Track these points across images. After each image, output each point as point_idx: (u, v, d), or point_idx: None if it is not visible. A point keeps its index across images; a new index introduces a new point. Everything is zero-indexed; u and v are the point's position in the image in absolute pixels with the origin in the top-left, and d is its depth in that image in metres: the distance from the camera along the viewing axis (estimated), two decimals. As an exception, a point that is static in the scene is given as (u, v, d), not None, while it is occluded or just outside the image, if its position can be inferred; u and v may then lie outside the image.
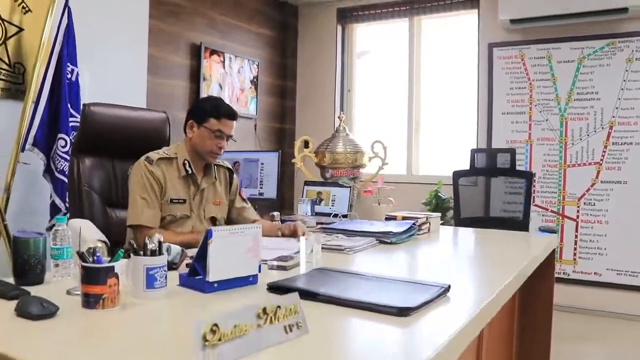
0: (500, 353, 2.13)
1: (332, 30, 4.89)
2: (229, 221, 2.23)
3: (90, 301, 1.07)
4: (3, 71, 2.76)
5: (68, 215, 2.71)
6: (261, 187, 3.39)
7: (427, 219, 2.43)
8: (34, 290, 1.19)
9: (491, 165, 3.38)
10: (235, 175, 2.27)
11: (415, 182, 4.47)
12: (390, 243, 2.06)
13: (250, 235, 1.30)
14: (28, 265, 1.26)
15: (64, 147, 2.77)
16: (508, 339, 2.28)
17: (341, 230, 2.18)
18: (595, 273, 3.94)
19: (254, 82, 4.59)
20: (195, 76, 4.04)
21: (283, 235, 2.07)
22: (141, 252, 1.20)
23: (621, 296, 3.85)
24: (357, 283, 1.33)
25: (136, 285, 1.17)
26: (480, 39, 4.28)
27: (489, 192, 3.53)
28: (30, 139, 2.74)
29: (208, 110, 2.02)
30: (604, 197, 3.92)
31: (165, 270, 1.19)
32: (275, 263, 1.54)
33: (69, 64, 2.83)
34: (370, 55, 5.03)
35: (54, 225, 2.79)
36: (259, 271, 1.33)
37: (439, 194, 4.03)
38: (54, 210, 2.78)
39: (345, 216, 2.81)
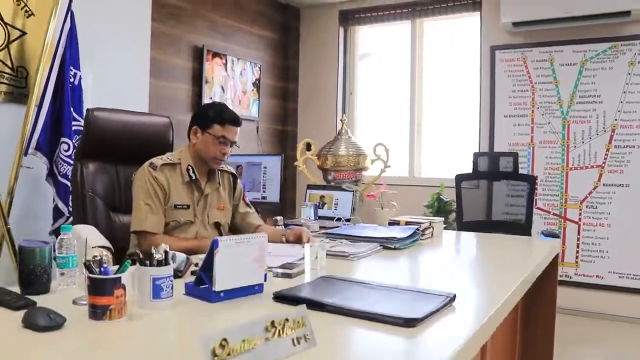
0: (504, 357, 2.13)
1: (334, 33, 4.89)
2: (233, 226, 2.23)
3: (97, 312, 1.07)
4: (6, 75, 2.76)
5: (71, 219, 2.73)
6: (264, 191, 3.39)
7: (430, 224, 2.43)
8: (40, 300, 1.20)
9: (494, 168, 3.38)
10: (239, 180, 2.26)
11: (417, 184, 4.47)
12: (394, 249, 2.07)
13: (256, 245, 1.30)
14: (34, 275, 1.26)
15: (66, 151, 2.77)
16: (511, 343, 2.28)
17: (345, 236, 2.18)
18: (597, 276, 3.94)
19: (256, 84, 4.59)
20: (198, 79, 4.04)
21: (287, 242, 2.06)
22: (147, 262, 1.20)
23: (623, 299, 3.85)
24: (363, 292, 1.33)
25: (142, 296, 1.17)
26: (483, 42, 4.28)
27: (491, 196, 3.53)
28: (33, 143, 2.74)
29: (212, 117, 2.02)
30: (606, 200, 3.92)
31: (171, 280, 1.19)
32: (280, 271, 1.54)
33: (71, 68, 2.83)
34: (373, 57, 5.03)
35: (57, 229, 2.81)
36: (265, 280, 1.33)
37: (441, 197, 4.02)
38: (57, 214, 2.78)
39: (348, 220, 2.81)
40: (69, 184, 2.74)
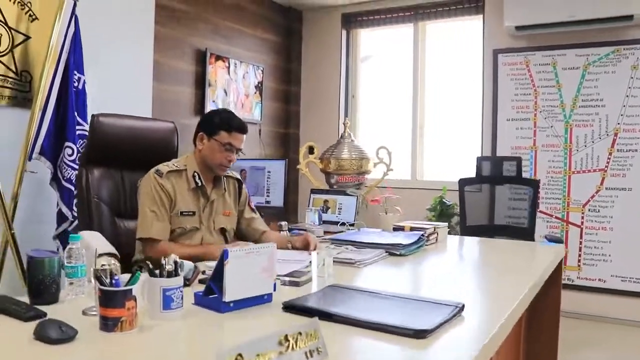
0: (508, 363, 2.13)
1: (337, 35, 4.89)
2: (238, 232, 2.23)
3: (108, 324, 1.07)
4: (10, 79, 2.76)
5: (75, 224, 2.73)
6: (268, 195, 3.40)
7: (434, 229, 2.43)
8: (50, 310, 1.20)
9: (497, 173, 3.38)
10: (244, 186, 2.27)
11: (419, 187, 4.47)
12: (400, 255, 2.07)
13: (265, 255, 1.30)
14: (43, 285, 1.26)
15: (70, 155, 2.77)
16: (515, 348, 2.28)
17: (350, 242, 2.18)
18: (599, 279, 3.94)
19: (259, 87, 4.59)
20: (201, 82, 4.04)
21: (294, 248, 2.06)
22: (157, 273, 1.20)
23: (625, 302, 3.85)
24: (372, 302, 1.33)
25: (153, 306, 1.17)
26: (485, 45, 4.28)
27: (494, 200, 3.53)
28: (38, 148, 2.74)
29: (219, 123, 2.01)
30: (609, 204, 3.92)
31: (181, 291, 1.19)
32: (287, 279, 1.55)
33: (75, 72, 2.83)
34: (375, 60, 5.03)
35: (60, 233, 2.81)
36: (274, 290, 1.33)
37: (444, 200, 4.02)
38: (61, 218, 2.78)
39: (352, 225, 2.81)
40: (72, 188, 2.75)
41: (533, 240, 3.24)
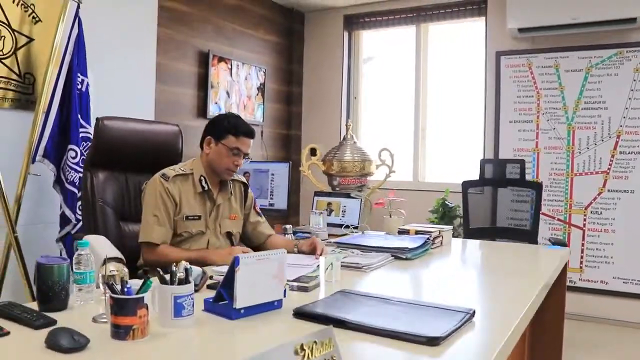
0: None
1: (339, 37, 4.88)
2: (244, 235, 2.23)
3: (120, 332, 1.06)
4: (13, 81, 2.75)
5: (78, 226, 2.72)
6: (271, 198, 3.39)
7: (439, 232, 2.43)
8: (59, 317, 1.19)
9: (500, 175, 3.38)
10: (249, 190, 2.26)
11: (421, 189, 4.47)
12: (406, 259, 2.06)
13: (276, 261, 1.29)
14: (52, 292, 1.25)
15: (74, 158, 2.76)
16: (519, 350, 2.28)
17: (356, 246, 2.18)
18: (601, 281, 3.94)
19: (261, 89, 4.58)
20: (203, 84, 4.03)
21: (300, 252, 2.06)
22: (168, 280, 1.19)
23: (627, 304, 3.86)
24: (382, 308, 1.33)
25: (164, 314, 1.16)
26: (488, 47, 4.28)
27: (497, 203, 3.53)
28: (41, 150, 2.73)
29: (227, 128, 2.01)
30: (611, 206, 3.92)
31: (192, 298, 1.19)
32: (296, 284, 1.54)
33: (79, 74, 2.82)
34: (377, 61, 5.03)
35: (63, 236, 2.79)
36: (285, 296, 1.33)
37: (446, 202, 4.02)
38: (64, 221, 2.77)
39: (356, 228, 2.80)
40: (76, 191, 2.74)
41: (536, 242, 3.23)
